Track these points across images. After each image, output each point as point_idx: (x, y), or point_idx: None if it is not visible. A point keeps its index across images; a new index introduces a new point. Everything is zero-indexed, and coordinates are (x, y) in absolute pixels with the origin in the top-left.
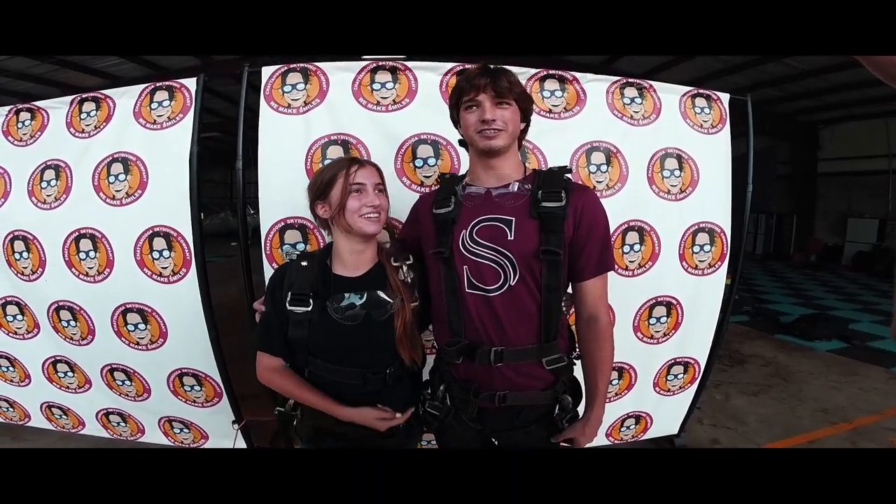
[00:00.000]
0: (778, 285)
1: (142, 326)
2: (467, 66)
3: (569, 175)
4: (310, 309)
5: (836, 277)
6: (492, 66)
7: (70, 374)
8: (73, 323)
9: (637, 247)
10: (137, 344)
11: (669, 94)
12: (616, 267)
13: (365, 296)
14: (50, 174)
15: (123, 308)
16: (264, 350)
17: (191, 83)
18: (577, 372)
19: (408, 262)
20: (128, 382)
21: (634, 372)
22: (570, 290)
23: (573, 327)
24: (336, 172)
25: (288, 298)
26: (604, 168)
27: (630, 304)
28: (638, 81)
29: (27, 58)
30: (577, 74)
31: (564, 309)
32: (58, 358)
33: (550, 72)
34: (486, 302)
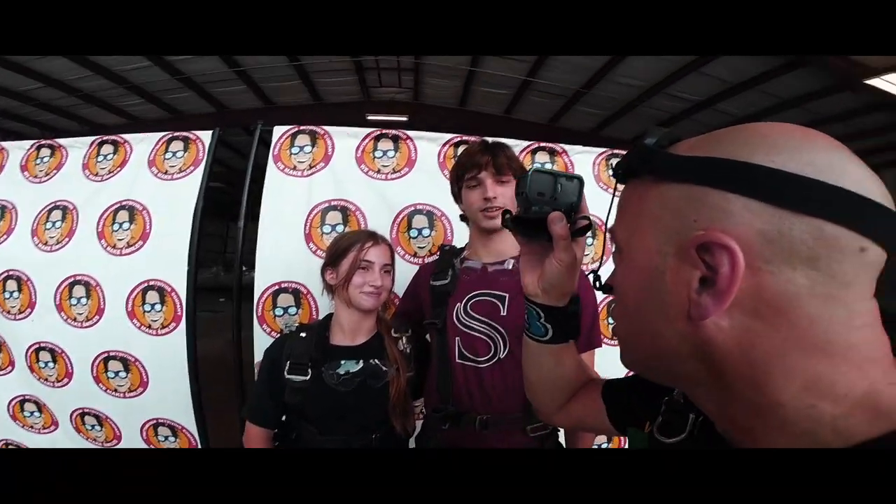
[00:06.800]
0: None
1: (122, 374)
2: (465, 137)
3: None
4: (308, 378)
5: None
6: (491, 142)
7: (37, 414)
8: (51, 364)
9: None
10: (115, 391)
11: None
12: (603, 338)
13: (361, 363)
14: (57, 215)
15: (106, 355)
16: (252, 421)
17: (206, 136)
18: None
19: (407, 335)
20: (97, 427)
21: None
22: None
23: None
24: (351, 244)
25: (287, 367)
26: (589, 241)
27: (618, 373)
28: (623, 153)
29: (54, 88)
30: (567, 147)
31: None
32: (27, 397)
33: (541, 144)
34: (475, 373)
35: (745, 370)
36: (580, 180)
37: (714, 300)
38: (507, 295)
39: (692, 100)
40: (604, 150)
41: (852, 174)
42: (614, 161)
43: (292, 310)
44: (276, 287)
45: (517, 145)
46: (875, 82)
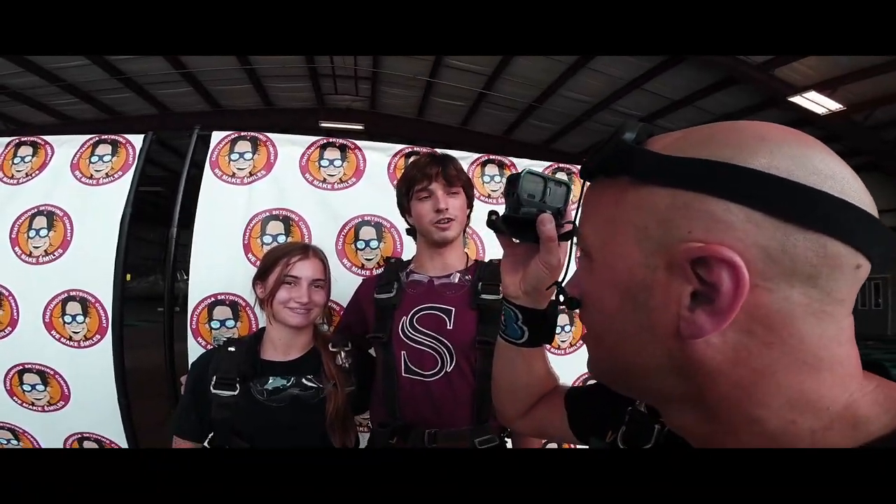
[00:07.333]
0: None
1: (40, 387)
2: (416, 148)
3: None
4: (236, 393)
5: None
6: (440, 154)
7: None
8: None
9: (568, 328)
10: (32, 405)
11: None
12: (549, 347)
13: (292, 380)
14: None
15: (21, 368)
16: (178, 435)
17: (137, 140)
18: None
19: (346, 349)
20: (14, 441)
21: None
22: None
23: None
24: (278, 258)
25: (213, 382)
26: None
27: (565, 380)
28: (568, 166)
29: None
30: (515, 160)
31: None
32: None
33: (491, 157)
34: (423, 386)
35: (729, 387)
36: (568, 187)
37: (711, 318)
38: (453, 309)
39: (635, 115)
40: (550, 163)
41: (853, 185)
42: (560, 175)
43: (230, 322)
44: (213, 299)
45: (467, 157)
46: (796, 100)
